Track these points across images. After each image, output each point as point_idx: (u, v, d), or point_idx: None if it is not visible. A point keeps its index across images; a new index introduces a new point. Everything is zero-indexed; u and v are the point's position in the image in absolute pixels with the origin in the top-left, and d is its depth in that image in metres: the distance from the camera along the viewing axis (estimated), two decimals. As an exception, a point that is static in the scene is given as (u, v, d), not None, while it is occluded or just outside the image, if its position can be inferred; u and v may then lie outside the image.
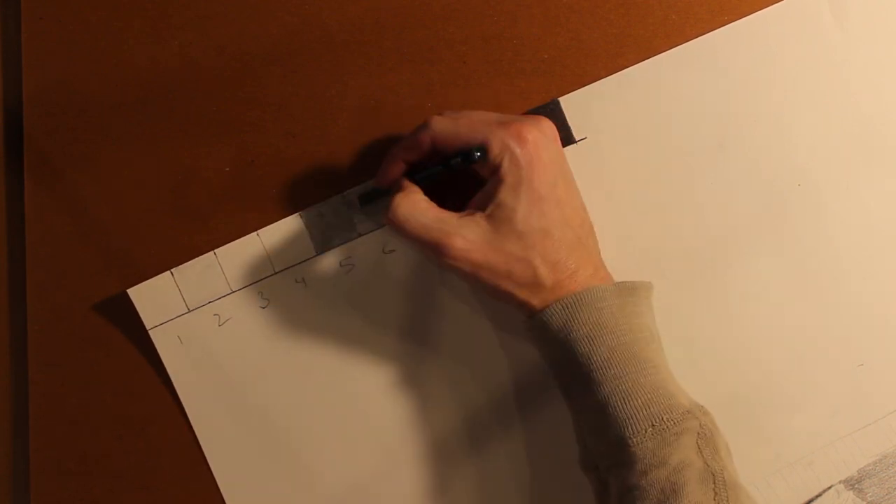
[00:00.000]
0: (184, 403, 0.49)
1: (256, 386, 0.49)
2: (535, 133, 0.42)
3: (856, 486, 0.49)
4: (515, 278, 0.42)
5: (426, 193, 0.44)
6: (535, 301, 0.43)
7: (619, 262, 0.46)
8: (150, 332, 0.49)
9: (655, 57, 0.49)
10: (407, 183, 0.45)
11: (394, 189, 0.45)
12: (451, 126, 0.43)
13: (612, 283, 0.44)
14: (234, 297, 0.49)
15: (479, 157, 0.42)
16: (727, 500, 0.39)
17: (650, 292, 0.45)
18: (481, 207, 0.43)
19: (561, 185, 0.43)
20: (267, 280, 0.49)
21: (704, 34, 0.49)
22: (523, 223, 0.42)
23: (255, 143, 0.49)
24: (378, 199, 0.47)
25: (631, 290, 0.43)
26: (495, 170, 0.42)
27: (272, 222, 0.49)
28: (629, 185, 0.49)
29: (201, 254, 0.49)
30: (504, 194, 0.42)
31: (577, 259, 0.43)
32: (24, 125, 0.50)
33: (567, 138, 0.48)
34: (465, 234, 0.42)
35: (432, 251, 0.42)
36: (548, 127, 0.43)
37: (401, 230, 0.43)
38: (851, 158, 0.49)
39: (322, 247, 0.49)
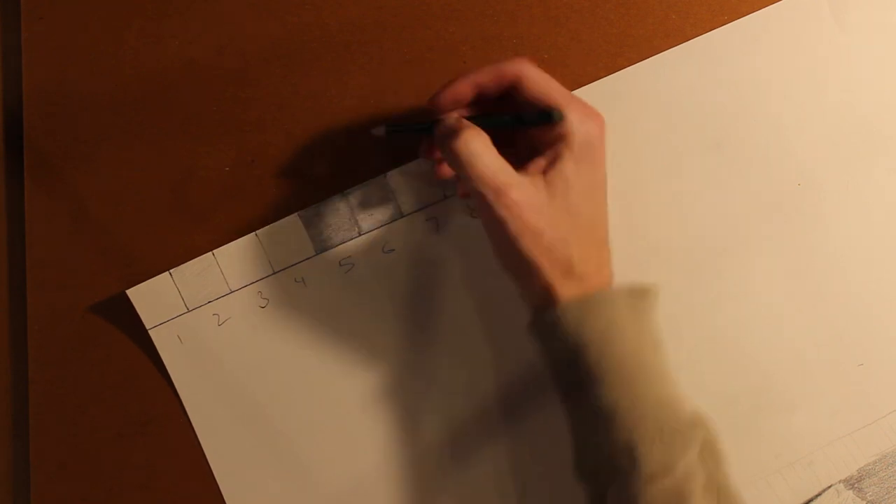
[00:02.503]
0: (184, 403, 0.49)
1: (256, 385, 0.49)
2: (602, 121, 0.42)
3: (855, 485, 0.49)
4: (552, 255, 0.40)
5: None
6: (558, 286, 0.41)
7: (619, 262, 0.46)
8: (150, 332, 0.49)
9: (655, 57, 0.49)
10: (468, 123, 0.42)
11: (446, 125, 0.42)
12: (543, 79, 0.42)
13: (622, 286, 0.43)
14: (233, 296, 0.49)
15: (556, 119, 0.41)
16: None
17: (657, 297, 0.44)
18: (541, 173, 0.41)
19: (606, 182, 0.43)
20: (266, 280, 0.49)
21: (704, 34, 0.49)
22: (576, 204, 0.41)
23: (255, 143, 0.49)
24: (407, 134, 0.44)
25: (642, 295, 0.43)
26: (563, 140, 0.41)
27: (272, 222, 0.49)
28: (629, 185, 0.49)
29: (201, 254, 0.49)
30: (568, 167, 0.41)
31: (602, 257, 0.42)
32: (24, 125, 0.50)
33: (567, 138, 0.48)
34: (525, 190, 0.40)
35: (492, 194, 0.40)
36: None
37: (467, 165, 0.40)
38: (851, 158, 0.49)
39: (321, 246, 0.49)
